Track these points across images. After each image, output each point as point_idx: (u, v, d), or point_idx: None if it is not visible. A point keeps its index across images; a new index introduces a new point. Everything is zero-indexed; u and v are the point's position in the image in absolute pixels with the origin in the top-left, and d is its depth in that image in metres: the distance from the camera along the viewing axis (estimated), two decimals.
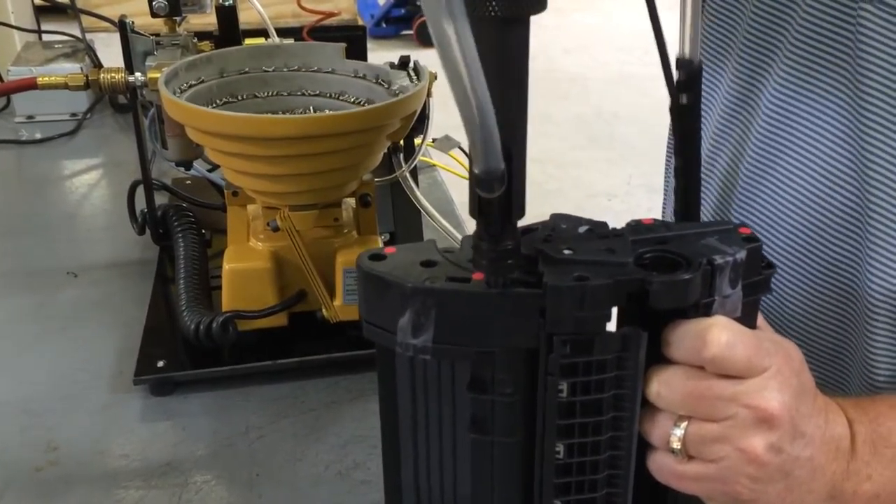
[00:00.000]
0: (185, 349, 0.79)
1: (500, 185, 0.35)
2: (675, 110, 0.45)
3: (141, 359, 0.78)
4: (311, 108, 0.81)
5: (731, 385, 0.39)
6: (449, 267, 0.40)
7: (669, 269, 0.39)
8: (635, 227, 0.43)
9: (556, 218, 0.43)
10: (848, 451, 0.42)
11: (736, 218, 0.59)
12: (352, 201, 0.83)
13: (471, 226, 1.14)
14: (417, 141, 0.89)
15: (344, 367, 0.80)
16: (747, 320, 0.42)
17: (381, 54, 1.43)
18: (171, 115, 0.72)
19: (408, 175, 0.87)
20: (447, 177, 1.22)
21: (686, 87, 0.44)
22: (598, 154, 3.68)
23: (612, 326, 0.39)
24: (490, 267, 0.39)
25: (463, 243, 0.42)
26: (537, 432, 0.41)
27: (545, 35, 5.55)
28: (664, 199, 0.74)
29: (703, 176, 0.62)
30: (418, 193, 0.88)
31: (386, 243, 0.95)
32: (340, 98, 0.82)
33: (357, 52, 1.32)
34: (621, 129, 3.91)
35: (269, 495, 0.67)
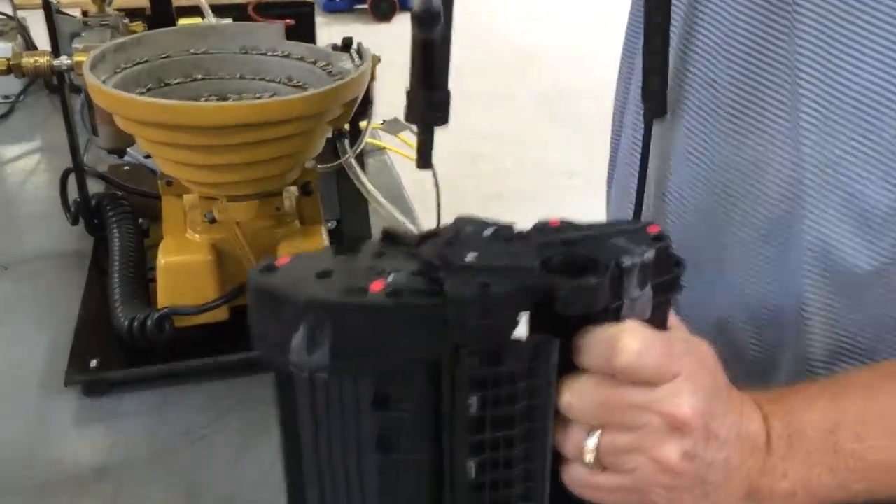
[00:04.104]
0: (120, 347, 0.75)
1: (432, 26, 0.33)
2: None
3: (73, 358, 0.74)
4: (248, 92, 0.78)
5: (643, 393, 0.38)
6: (345, 277, 0.38)
7: (577, 273, 0.38)
8: (542, 228, 0.41)
9: (460, 221, 0.41)
10: (763, 448, 0.42)
11: (682, 170, 0.58)
12: (294, 189, 0.80)
13: (421, 210, 1.11)
14: (363, 124, 0.86)
15: None
16: (658, 321, 0.41)
17: (334, 29, 1.39)
18: (98, 102, 0.68)
19: (353, 161, 0.84)
20: (396, 159, 1.19)
21: None
22: (558, 132, 3.67)
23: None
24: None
25: (363, 249, 0.40)
26: (445, 449, 0.39)
27: (503, 10, 5.51)
28: (609, 169, 0.73)
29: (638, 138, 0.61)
30: (364, 179, 0.85)
31: (331, 231, 0.92)
32: (279, 82, 0.78)
33: (305, 29, 1.28)
34: (581, 106, 3.90)
35: (209, 500, 0.64)
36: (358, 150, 0.83)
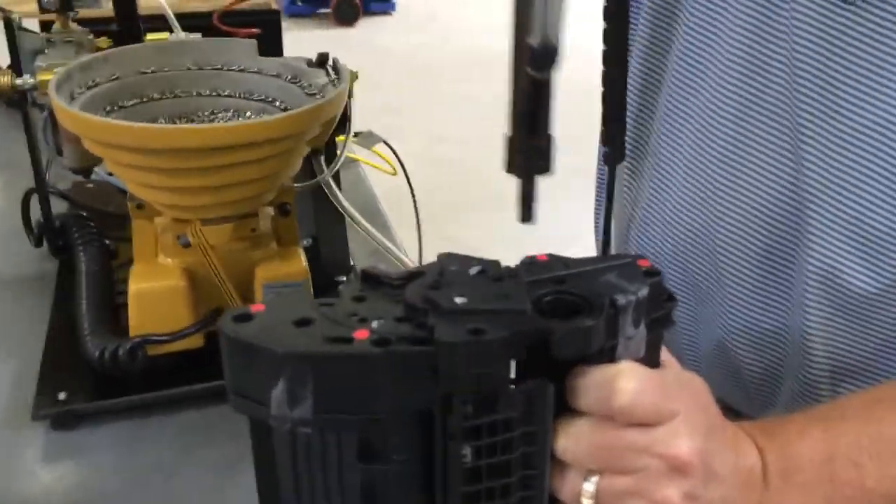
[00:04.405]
0: (90, 377, 0.72)
1: (549, 65, 0.32)
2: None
3: (40, 390, 0.71)
4: (222, 110, 0.75)
5: (641, 434, 0.38)
6: (327, 325, 0.36)
7: (570, 314, 0.37)
8: (530, 265, 0.40)
9: (445, 259, 0.40)
10: (760, 483, 0.41)
11: (680, 197, 0.58)
12: (270, 209, 0.78)
13: (396, 221, 1.08)
14: (340, 138, 0.83)
15: None
16: (651, 358, 0.40)
17: (296, 34, 1.36)
18: (65, 125, 0.65)
19: (330, 179, 0.82)
20: (370, 172, 1.17)
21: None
22: None
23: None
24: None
25: (342, 294, 0.38)
26: (438, 500, 0.37)
27: (466, 13, 5.51)
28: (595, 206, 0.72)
29: (643, 163, 0.60)
30: (342, 199, 0.83)
31: (307, 249, 0.90)
32: (254, 99, 0.76)
33: (271, 38, 1.26)
34: None
35: None
36: (335, 169, 0.80)
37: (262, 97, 0.76)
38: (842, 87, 0.47)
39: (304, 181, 0.82)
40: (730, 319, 0.57)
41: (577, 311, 0.37)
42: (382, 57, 4.39)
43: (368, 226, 0.85)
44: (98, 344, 0.71)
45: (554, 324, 0.36)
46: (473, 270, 0.39)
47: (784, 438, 0.43)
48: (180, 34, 0.84)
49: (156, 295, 0.71)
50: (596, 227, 0.72)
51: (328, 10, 5.18)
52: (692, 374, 0.41)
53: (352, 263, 0.91)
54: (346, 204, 0.83)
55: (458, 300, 0.36)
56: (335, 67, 0.76)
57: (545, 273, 0.39)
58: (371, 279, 0.40)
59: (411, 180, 1.08)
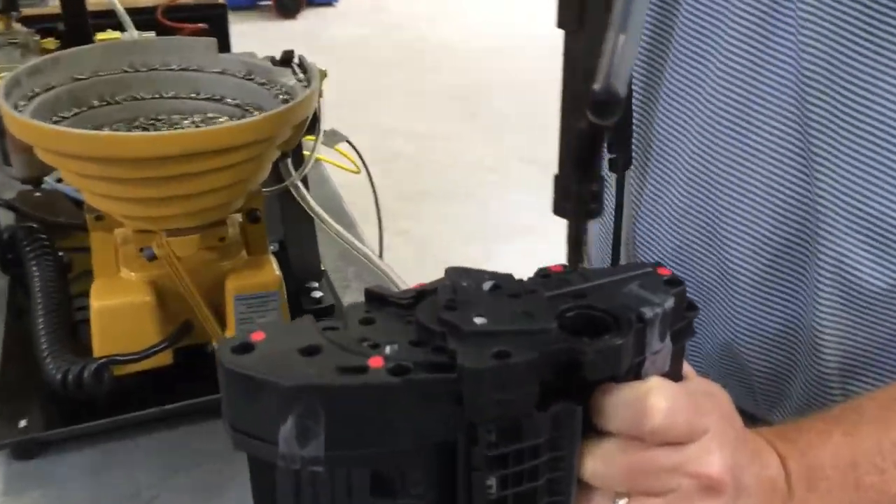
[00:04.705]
0: (52, 402, 0.68)
1: (613, 113, 0.31)
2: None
3: None
4: (183, 113, 0.71)
5: (672, 454, 0.36)
6: (336, 352, 0.33)
7: (596, 330, 0.35)
8: (546, 277, 0.38)
9: (454, 274, 0.37)
10: (784, 491, 0.41)
11: (684, 196, 0.56)
12: (238, 216, 0.74)
13: (363, 224, 1.04)
14: (309, 138, 0.80)
15: None
16: (674, 371, 0.38)
17: (239, 28, 1.31)
18: (16, 134, 0.60)
19: (299, 182, 0.79)
20: (333, 172, 1.14)
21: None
22: (473, 126, 3.66)
23: None
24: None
25: (348, 316, 0.36)
26: None
27: (410, 4, 5.46)
28: None
29: (647, 162, 0.59)
30: (312, 202, 0.80)
31: (275, 254, 0.86)
32: (217, 101, 0.72)
33: (218, 32, 1.21)
34: (494, 100, 3.90)
35: None
36: (305, 172, 0.77)
37: (226, 99, 0.72)
38: (852, 80, 0.46)
39: (271, 185, 0.78)
40: (736, 319, 0.56)
41: (603, 327, 0.35)
42: (326, 49, 4.32)
43: (340, 228, 0.82)
44: (59, 366, 0.66)
45: (583, 344, 0.34)
46: (487, 286, 0.37)
47: (804, 444, 0.42)
48: (133, 33, 0.80)
49: (120, 312, 0.67)
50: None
51: (269, 3, 5.07)
52: (715, 385, 0.40)
53: (322, 268, 0.87)
54: (315, 207, 0.79)
55: (478, 321, 0.34)
56: (302, 66, 0.73)
57: (563, 286, 0.37)
58: (376, 299, 0.38)
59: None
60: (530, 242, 2.71)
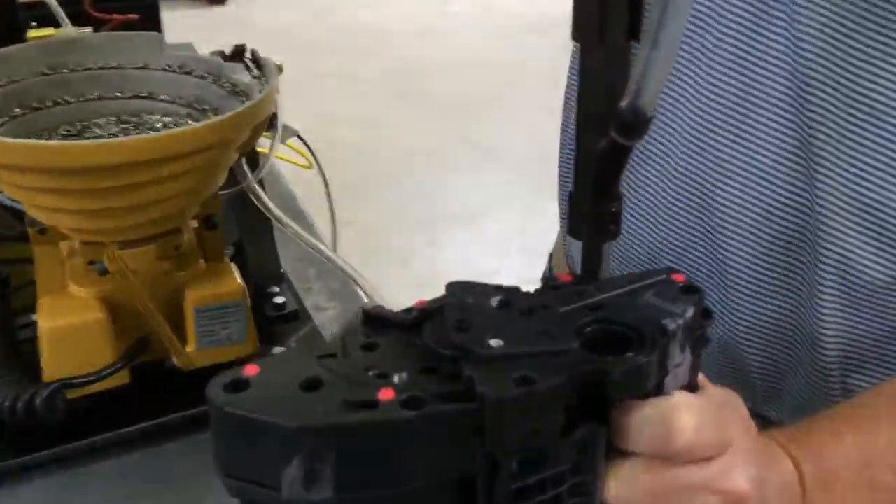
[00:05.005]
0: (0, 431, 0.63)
1: (640, 134, 0.29)
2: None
3: None
4: (130, 114, 0.66)
5: (698, 471, 0.35)
6: (341, 385, 0.31)
7: (618, 345, 0.33)
8: (555, 289, 0.36)
9: (456, 290, 0.35)
10: (800, 496, 0.40)
11: (677, 190, 0.55)
12: (194, 222, 0.70)
13: (318, 221, 1.00)
14: (266, 135, 0.76)
15: (207, 422, 0.67)
16: (692, 382, 0.37)
17: (167, 15, 1.25)
18: None
19: (255, 184, 0.74)
20: (285, 168, 1.09)
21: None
22: (409, 111, 3.61)
23: None
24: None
25: (346, 342, 0.33)
26: None
27: None
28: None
29: (641, 154, 0.58)
30: (269, 203, 0.76)
31: (232, 258, 0.82)
32: (166, 101, 0.67)
33: (150, 23, 1.15)
34: (428, 83, 3.86)
35: None
36: (262, 173, 0.73)
37: (178, 99, 0.67)
38: (852, 70, 0.45)
39: (226, 188, 0.74)
40: (733, 315, 0.55)
41: (625, 342, 0.33)
42: (256, 36, 4.20)
43: (299, 229, 0.78)
44: (6, 393, 0.61)
45: (607, 363, 0.32)
46: (495, 302, 0.35)
47: (816, 445, 0.41)
48: (69, 29, 0.74)
49: (71, 332, 0.62)
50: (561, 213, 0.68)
51: None
52: (730, 392, 0.38)
53: (282, 270, 0.84)
54: (274, 209, 0.75)
55: (494, 343, 0.32)
56: (256, 61, 0.68)
57: (576, 298, 0.35)
58: (375, 321, 0.35)
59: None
60: (475, 229, 2.70)
